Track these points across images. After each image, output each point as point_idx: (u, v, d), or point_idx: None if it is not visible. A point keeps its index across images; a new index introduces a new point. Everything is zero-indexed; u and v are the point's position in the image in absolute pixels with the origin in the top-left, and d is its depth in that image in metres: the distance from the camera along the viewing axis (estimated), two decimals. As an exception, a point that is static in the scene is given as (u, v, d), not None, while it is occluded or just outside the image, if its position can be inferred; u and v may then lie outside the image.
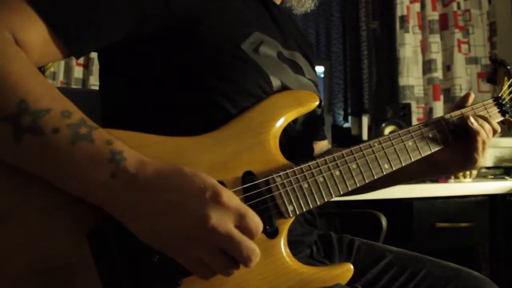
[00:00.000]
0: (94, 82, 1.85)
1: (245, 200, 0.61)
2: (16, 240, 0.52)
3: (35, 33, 0.56)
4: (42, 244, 0.53)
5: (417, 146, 0.77)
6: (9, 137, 0.50)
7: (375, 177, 0.71)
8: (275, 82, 0.73)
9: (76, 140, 0.51)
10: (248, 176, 0.63)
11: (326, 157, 0.68)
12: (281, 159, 0.67)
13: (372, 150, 0.72)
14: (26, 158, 0.52)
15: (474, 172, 1.70)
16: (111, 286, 0.54)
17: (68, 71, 1.86)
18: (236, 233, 0.51)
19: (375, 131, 1.92)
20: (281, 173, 0.64)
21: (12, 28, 0.54)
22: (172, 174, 0.52)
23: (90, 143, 0.51)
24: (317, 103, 0.73)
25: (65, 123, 0.51)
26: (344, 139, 2.24)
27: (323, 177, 0.67)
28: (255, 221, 0.52)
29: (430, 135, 0.80)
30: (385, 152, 0.73)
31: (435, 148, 0.80)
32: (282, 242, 0.63)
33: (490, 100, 0.90)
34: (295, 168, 0.65)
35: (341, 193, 0.68)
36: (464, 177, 1.66)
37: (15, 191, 0.53)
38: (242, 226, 0.52)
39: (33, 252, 0.52)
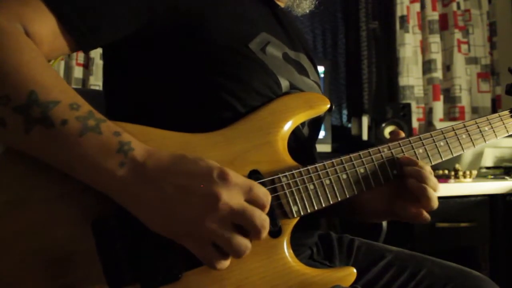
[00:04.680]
0: (94, 82, 1.84)
1: None
2: (22, 227, 0.53)
3: (45, 26, 0.57)
4: (47, 232, 0.54)
5: (427, 154, 0.75)
6: (19, 127, 0.51)
7: (383, 183, 0.71)
8: (284, 83, 0.74)
9: (84, 132, 0.52)
10: (254, 174, 0.63)
11: (334, 160, 0.68)
12: (288, 160, 0.67)
13: (381, 156, 0.72)
14: (36, 148, 0.53)
15: (474, 172, 1.70)
16: (112, 276, 0.55)
17: (68, 71, 1.85)
18: (248, 205, 0.52)
19: (375, 131, 1.92)
20: (287, 173, 0.64)
21: (23, 20, 0.55)
22: (177, 160, 0.54)
23: (98, 134, 0.53)
24: (328, 106, 0.74)
25: (74, 115, 0.52)
26: (344, 139, 2.24)
27: (330, 179, 0.67)
28: (263, 191, 0.54)
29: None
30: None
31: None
32: (285, 242, 0.63)
33: (506, 112, 0.87)
34: (301, 169, 0.65)
35: (347, 196, 0.68)
36: (464, 177, 1.66)
37: (22, 180, 0.55)
38: (252, 198, 0.53)
39: (39, 241, 0.53)
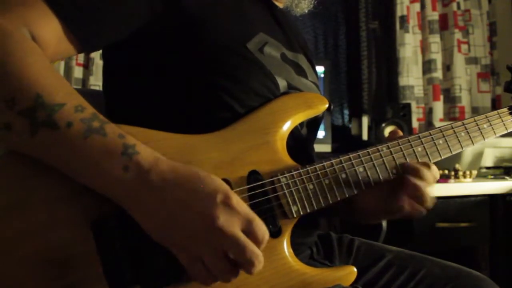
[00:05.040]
0: (94, 82, 1.84)
1: (250, 198, 0.62)
2: (23, 229, 0.53)
3: (50, 29, 0.58)
4: (48, 234, 0.54)
5: (426, 152, 0.74)
6: (25, 130, 0.51)
7: (382, 182, 0.71)
8: (281, 83, 0.74)
9: (89, 134, 0.52)
10: (253, 175, 0.63)
11: (333, 160, 0.68)
12: (287, 160, 0.67)
13: (380, 155, 0.71)
14: (41, 151, 0.53)
15: (474, 172, 1.70)
16: (113, 277, 0.55)
17: (68, 71, 1.85)
18: (242, 236, 0.51)
19: (375, 131, 1.92)
20: (286, 174, 0.64)
21: (28, 24, 0.56)
22: (187, 175, 0.53)
23: (103, 136, 0.53)
24: (326, 106, 0.74)
25: (79, 117, 0.52)
26: (344, 139, 2.24)
27: (329, 179, 0.67)
28: (262, 229, 0.53)
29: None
30: (393, 156, 0.72)
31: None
32: (285, 242, 0.64)
33: (505, 109, 0.87)
34: (300, 170, 0.65)
35: (347, 196, 0.68)
36: (464, 177, 1.66)
37: (22, 182, 0.55)
38: (249, 231, 0.52)
39: (40, 242, 0.54)
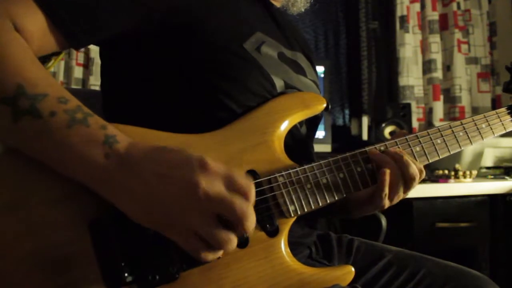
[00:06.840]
0: (94, 82, 1.85)
1: None
2: (22, 228, 0.54)
3: (34, 23, 0.58)
4: (45, 234, 0.54)
5: (424, 152, 0.75)
6: (7, 117, 0.52)
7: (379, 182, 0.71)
8: (278, 82, 0.74)
9: (72, 124, 0.53)
10: (251, 174, 0.63)
11: (331, 159, 0.68)
12: (285, 160, 0.67)
13: None
14: (24, 139, 0.53)
15: (474, 172, 1.70)
16: (110, 277, 0.54)
17: (68, 71, 1.85)
18: (227, 193, 0.51)
19: (375, 131, 1.91)
20: (283, 173, 0.64)
21: (12, 17, 0.56)
22: (157, 150, 0.54)
23: (86, 127, 0.53)
24: (324, 106, 0.74)
25: (62, 108, 0.53)
26: (345, 139, 2.24)
27: (327, 178, 0.67)
28: (244, 181, 0.52)
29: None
30: None
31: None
32: (282, 241, 0.63)
33: (504, 109, 0.87)
34: (298, 169, 0.65)
35: (344, 195, 0.68)
36: (464, 177, 1.66)
37: (21, 182, 0.55)
38: (233, 187, 0.51)
39: (37, 242, 0.54)
